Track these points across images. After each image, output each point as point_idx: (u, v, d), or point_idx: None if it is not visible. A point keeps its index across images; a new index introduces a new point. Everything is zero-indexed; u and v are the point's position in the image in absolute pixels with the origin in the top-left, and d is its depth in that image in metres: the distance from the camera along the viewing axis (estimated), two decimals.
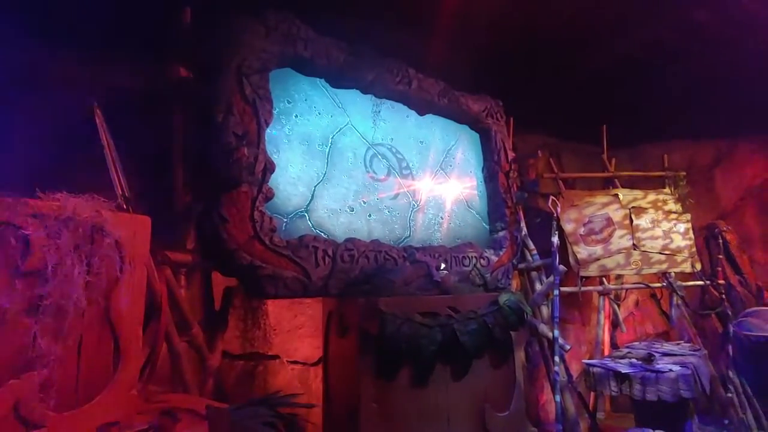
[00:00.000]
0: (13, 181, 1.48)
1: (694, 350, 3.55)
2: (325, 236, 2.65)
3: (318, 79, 2.88)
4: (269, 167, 2.42)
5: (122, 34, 2.36)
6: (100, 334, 1.58)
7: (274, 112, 2.53)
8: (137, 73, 2.45)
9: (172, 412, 1.73)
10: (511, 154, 3.84)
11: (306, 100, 2.81)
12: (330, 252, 2.55)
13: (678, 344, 3.80)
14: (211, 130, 2.31)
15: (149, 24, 2.39)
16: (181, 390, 2.16)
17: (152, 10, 2.36)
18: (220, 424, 1.65)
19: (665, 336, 4.55)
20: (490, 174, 3.75)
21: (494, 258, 3.45)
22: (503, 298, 2.70)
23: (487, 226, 3.72)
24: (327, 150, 2.84)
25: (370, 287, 2.54)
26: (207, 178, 2.32)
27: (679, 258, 4.26)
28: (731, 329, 3.99)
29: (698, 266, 4.29)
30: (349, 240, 2.70)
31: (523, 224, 3.97)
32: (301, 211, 2.64)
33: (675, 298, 4.23)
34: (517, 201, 3.84)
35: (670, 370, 2.94)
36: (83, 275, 1.51)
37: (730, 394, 3.85)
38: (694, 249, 4.32)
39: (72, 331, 1.47)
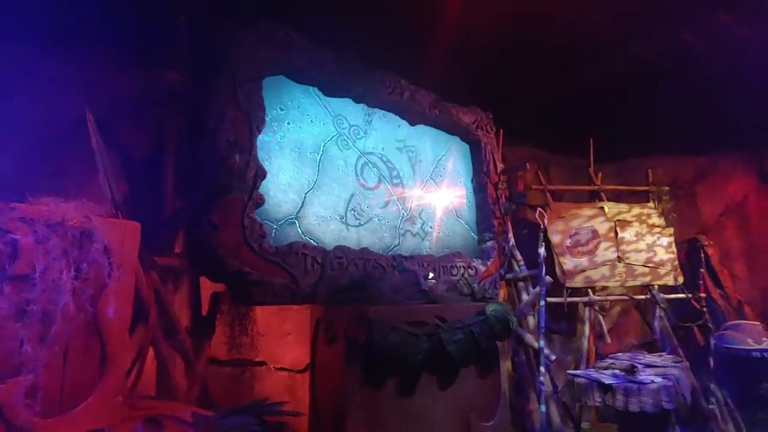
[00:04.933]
0: (3, 185, 1.48)
1: (676, 362, 3.60)
2: (314, 243, 2.67)
3: (311, 87, 2.91)
4: (260, 174, 2.43)
5: (116, 40, 2.37)
6: (87, 339, 1.58)
7: (267, 118, 2.55)
8: (130, 80, 2.46)
9: (157, 419, 1.73)
10: (500, 166, 3.90)
11: (299, 107, 2.83)
12: (319, 259, 2.57)
13: (660, 356, 3.86)
14: (203, 137, 2.33)
15: (143, 31, 2.40)
16: (168, 396, 2.15)
17: (146, 17, 2.38)
18: None
19: (648, 347, 4.62)
20: (480, 185, 3.81)
21: (482, 268, 3.49)
22: (490, 308, 2.73)
23: (476, 236, 3.77)
24: (318, 157, 2.87)
25: (358, 295, 2.56)
26: (198, 184, 2.33)
27: (662, 271, 4.35)
28: (712, 342, 4.07)
29: (680, 279, 4.39)
30: (338, 247, 2.72)
31: (510, 235, 4.03)
32: (291, 218, 2.65)
33: (658, 310, 4.31)
34: (506, 212, 3.89)
35: (652, 381, 2.98)
36: (71, 281, 1.51)
37: (711, 406, 3.91)
38: (676, 262, 4.42)
39: (59, 336, 1.47)
